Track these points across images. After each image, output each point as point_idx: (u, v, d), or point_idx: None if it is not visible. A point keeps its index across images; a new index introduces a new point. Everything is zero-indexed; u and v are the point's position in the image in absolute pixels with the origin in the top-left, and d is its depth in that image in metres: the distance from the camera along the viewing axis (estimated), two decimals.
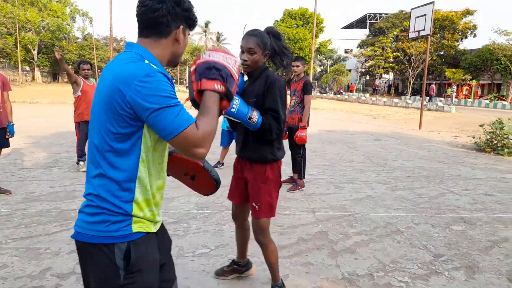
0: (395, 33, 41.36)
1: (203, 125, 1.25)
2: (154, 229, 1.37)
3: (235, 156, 2.51)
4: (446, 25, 39.43)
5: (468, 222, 4.09)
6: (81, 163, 5.81)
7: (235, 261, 2.78)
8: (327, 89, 51.22)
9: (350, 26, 67.74)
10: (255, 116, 2.13)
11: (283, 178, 5.52)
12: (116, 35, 67.51)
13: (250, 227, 2.58)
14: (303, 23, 53.65)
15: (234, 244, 3.33)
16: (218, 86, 1.36)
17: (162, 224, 1.51)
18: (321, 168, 6.52)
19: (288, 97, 5.12)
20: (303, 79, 4.98)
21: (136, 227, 1.29)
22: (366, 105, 29.36)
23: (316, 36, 52.67)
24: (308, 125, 4.95)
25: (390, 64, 43.70)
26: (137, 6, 1.34)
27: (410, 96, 35.73)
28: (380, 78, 47.86)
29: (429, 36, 12.17)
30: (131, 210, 1.28)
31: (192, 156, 1.26)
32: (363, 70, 49.13)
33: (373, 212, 4.34)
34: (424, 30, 12.01)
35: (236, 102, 2.07)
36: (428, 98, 30.48)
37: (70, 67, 5.59)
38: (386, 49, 42.28)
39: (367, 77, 54.80)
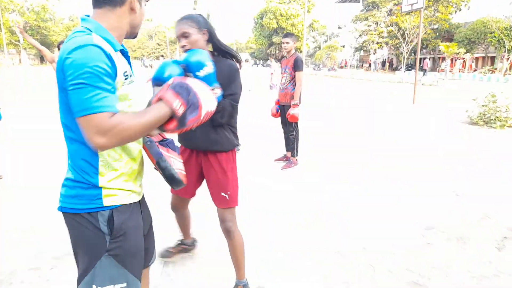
0: (388, 7, 40.80)
1: (123, 118, 1.15)
2: (134, 197, 1.40)
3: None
4: None
5: None
6: None
7: (182, 242, 2.80)
8: (321, 66, 50.85)
9: (343, 1, 66.69)
10: (218, 92, 1.87)
11: (278, 156, 5.53)
12: None
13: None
14: None
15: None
16: (176, 104, 1.23)
17: (143, 198, 1.54)
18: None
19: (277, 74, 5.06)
20: (293, 56, 4.90)
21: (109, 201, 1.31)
22: (360, 81, 29.21)
23: (309, 12, 51.90)
24: (300, 103, 4.90)
25: (384, 39, 43.33)
26: None
27: (405, 71, 35.63)
28: (374, 54, 47.50)
29: (422, 10, 12.01)
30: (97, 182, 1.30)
31: (91, 142, 1.15)
32: (357, 45, 48.67)
33: (370, 187, 4.37)
34: (417, 3, 11.83)
35: (205, 69, 1.79)
36: (422, 72, 30.41)
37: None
38: (380, 24, 41.80)
39: (361, 53, 54.39)
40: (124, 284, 1.35)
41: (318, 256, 2.81)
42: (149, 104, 1.32)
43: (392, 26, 40.12)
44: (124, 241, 1.34)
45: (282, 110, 5.12)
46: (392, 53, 49.01)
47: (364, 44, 45.30)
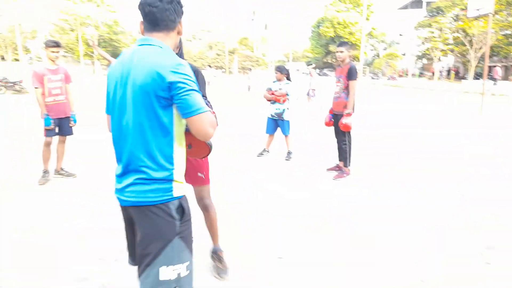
0: (454, 12, 38.57)
1: (214, 116, 1.59)
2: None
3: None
4: None
5: None
6: None
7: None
8: (379, 75, 49.28)
9: (404, 7, 64.26)
10: None
11: (330, 166, 5.51)
12: None
13: None
14: (354, 6, 51.83)
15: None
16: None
17: None
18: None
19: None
20: (348, 65, 4.89)
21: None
22: (423, 90, 27.87)
23: (367, 19, 50.71)
24: (353, 112, 4.87)
25: (449, 46, 40.92)
26: (146, 6, 1.56)
27: (472, 80, 33.34)
28: (438, 62, 45.05)
29: (490, 14, 11.25)
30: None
31: (204, 135, 1.51)
32: (419, 53, 46.48)
33: (415, 206, 4.22)
34: (485, 8, 11.11)
35: None
36: (492, 82, 28.24)
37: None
38: (444, 30, 39.60)
39: (424, 61, 51.85)
40: (188, 262, 1.60)
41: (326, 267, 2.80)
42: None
43: (458, 33, 37.83)
44: (188, 225, 1.63)
45: (335, 119, 5.12)
46: (458, 61, 46.13)
47: (427, 52, 43.10)
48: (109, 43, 54.05)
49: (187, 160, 2.37)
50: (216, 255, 2.72)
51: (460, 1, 39.35)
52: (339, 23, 49.95)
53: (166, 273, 1.54)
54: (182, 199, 1.61)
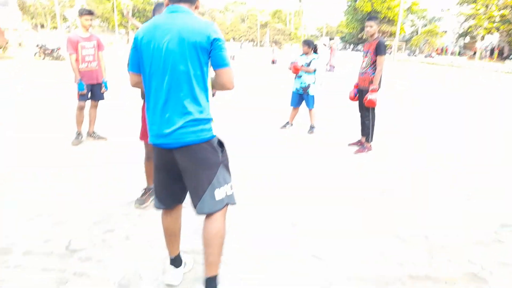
0: None
1: None
2: None
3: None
4: None
5: None
6: None
7: (147, 188, 3.33)
8: (416, 52, 47.21)
9: None
10: None
11: (352, 141, 5.52)
12: None
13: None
14: None
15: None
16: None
17: None
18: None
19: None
20: (376, 40, 4.80)
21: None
22: (460, 68, 26.60)
23: None
24: (379, 88, 4.82)
25: (495, 24, 38.39)
26: None
27: None
28: (481, 40, 42.47)
29: None
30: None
31: (229, 84, 1.91)
32: (461, 31, 43.95)
33: (442, 178, 4.20)
34: None
35: None
36: None
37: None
38: (491, 7, 37.08)
39: (466, 39, 49.05)
40: (231, 182, 2.04)
41: (375, 237, 2.88)
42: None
43: (506, 9, 35.33)
44: (225, 154, 2.03)
45: (360, 94, 5.08)
46: (504, 40, 43.34)
47: (470, 30, 40.65)
48: (142, 14, 54.48)
49: None
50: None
51: None
52: None
53: (220, 193, 1.95)
54: (217, 136, 1.99)
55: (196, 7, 1.94)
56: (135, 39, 1.93)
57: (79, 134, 5.12)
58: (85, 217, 3.02)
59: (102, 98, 5.27)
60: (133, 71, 2.01)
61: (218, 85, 1.93)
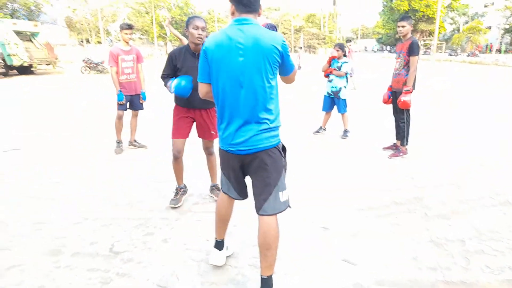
0: None
1: None
2: None
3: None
4: None
5: None
6: None
7: (178, 187, 3.62)
8: (458, 51, 45.20)
9: None
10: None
11: (387, 144, 5.43)
12: None
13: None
14: None
15: (321, 199, 3.58)
16: None
17: None
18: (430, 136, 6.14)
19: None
20: (409, 40, 4.72)
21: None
22: (506, 67, 25.18)
23: None
24: (413, 89, 4.73)
25: None
26: None
27: None
28: None
29: None
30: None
31: (292, 82, 2.26)
32: (507, 26, 41.58)
33: (481, 182, 4.05)
34: None
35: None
36: None
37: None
38: None
39: None
40: (287, 188, 2.19)
41: (407, 241, 2.85)
42: None
43: None
44: (286, 159, 2.20)
45: (394, 96, 5.01)
46: None
47: None
48: (180, 24, 56.17)
49: (206, 119, 3.44)
50: (214, 187, 3.73)
51: None
52: None
53: (283, 196, 2.13)
54: (282, 143, 2.19)
55: (259, 14, 2.09)
56: (206, 50, 2.04)
57: (119, 142, 5.42)
58: (127, 221, 3.22)
59: (141, 108, 5.54)
60: (204, 81, 2.14)
61: (286, 81, 2.23)
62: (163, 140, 5.96)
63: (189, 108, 3.41)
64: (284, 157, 2.17)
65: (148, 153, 5.37)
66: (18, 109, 9.40)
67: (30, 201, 3.67)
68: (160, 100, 9.82)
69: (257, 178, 2.12)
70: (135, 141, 5.61)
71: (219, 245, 2.51)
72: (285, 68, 2.09)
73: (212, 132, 3.49)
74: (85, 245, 2.84)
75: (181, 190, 3.62)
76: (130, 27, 5.13)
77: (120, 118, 5.36)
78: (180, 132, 3.43)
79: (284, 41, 1.99)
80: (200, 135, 3.56)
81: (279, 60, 1.99)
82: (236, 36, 1.93)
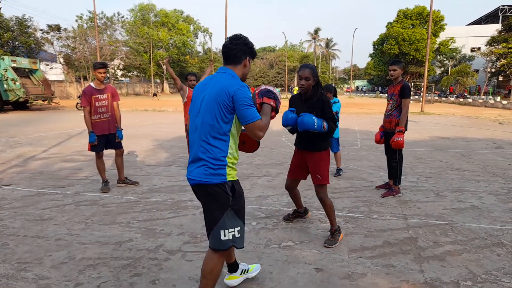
0: None
1: (264, 120, 2.24)
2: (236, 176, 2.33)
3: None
4: None
5: None
6: None
7: (296, 210, 4.02)
8: (447, 93, 46.47)
9: (478, 21, 60.39)
10: (325, 125, 3.31)
11: (379, 183, 5.45)
12: None
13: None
14: (420, 23, 49.84)
15: (318, 240, 3.55)
16: (272, 102, 2.37)
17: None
18: (424, 175, 6.18)
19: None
20: (400, 83, 4.87)
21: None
22: (495, 109, 25.88)
23: (436, 35, 48.31)
24: (405, 130, 4.82)
25: None
26: (223, 47, 2.30)
27: None
28: None
29: None
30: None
31: (255, 136, 2.17)
32: (493, 70, 43.11)
33: (474, 222, 4.03)
34: None
35: (315, 120, 3.21)
36: None
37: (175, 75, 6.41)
38: None
39: (500, 78, 47.93)
40: (239, 228, 2.27)
41: (403, 281, 2.79)
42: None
43: None
44: (239, 201, 2.29)
45: (386, 136, 5.09)
46: None
47: (502, 69, 39.78)
48: (177, 63, 57.57)
49: (309, 162, 3.53)
50: (330, 231, 3.56)
51: None
52: (404, 40, 48.20)
53: (226, 235, 2.21)
54: (234, 182, 2.25)
55: (245, 66, 2.32)
56: (194, 90, 2.39)
57: (105, 181, 5.30)
58: (115, 261, 3.12)
59: (119, 147, 5.38)
60: (189, 113, 2.41)
61: (250, 134, 2.20)
62: (153, 179, 5.93)
63: (301, 148, 3.62)
64: (233, 197, 2.23)
65: (139, 190, 5.31)
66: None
67: (15, 239, 3.57)
68: (154, 139, 9.87)
69: (203, 209, 2.29)
70: (126, 178, 5.56)
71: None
72: (239, 115, 2.14)
73: (317, 175, 3.47)
74: (70, 286, 2.73)
75: (298, 213, 4.04)
76: (104, 65, 5.08)
77: (100, 157, 5.26)
78: (292, 171, 3.76)
79: (240, 89, 2.12)
80: (313, 178, 3.55)
81: (230, 105, 2.12)
82: (208, 81, 2.24)
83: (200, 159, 2.19)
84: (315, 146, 3.47)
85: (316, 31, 74.72)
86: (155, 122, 15.90)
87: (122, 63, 50.18)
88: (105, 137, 5.23)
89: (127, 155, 7.75)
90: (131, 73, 56.43)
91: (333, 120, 3.37)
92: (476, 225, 3.95)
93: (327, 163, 3.50)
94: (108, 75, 50.99)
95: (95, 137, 5.08)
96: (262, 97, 2.36)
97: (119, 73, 54.59)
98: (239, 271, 2.75)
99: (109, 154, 6.18)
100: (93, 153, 5.28)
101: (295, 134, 3.62)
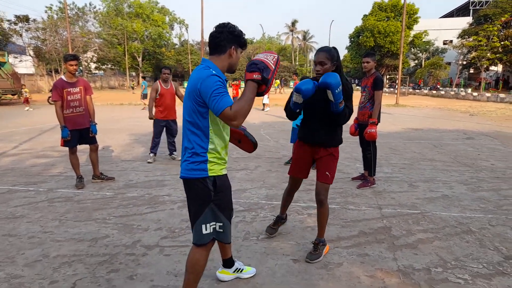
0: (503, 19, 36.72)
1: (235, 107, 1.97)
2: (224, 171, 2.25)
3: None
4: None
5: None
6: (151, 154, 6.73)
7: (280, 217, 3.52)
8: (421, 85, 47.66)
9: (450, 15, 62.00)
10: (342, 103, 2.84)
11: (355, 174, 5.57)
12: None
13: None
14: (395, 15, 50.72)
15: (295, 232, 3.60)
16: (255, 76, 2.05)
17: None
18: (398, 166, 6.35)
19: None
20: (373, 75, 4.96)
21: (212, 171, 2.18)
22: (466, 101, 26.79)
23: (410, 28, 49.31)
24: (378, 122, 4.92)
25: (497, 55, 38.86)
26: (208, 37, 2.19)
27: None
28: (486, 71, 42.74)
29: None
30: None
31: (231, 126, 2.06)
32: (465, 62, 44.47)
33: (445, 211, 4.19)
34: None
35: (339, 88, 2.75)
36: None
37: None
38: (492, 38, 37.72)
39: (471, 71, 49.50)
40: (221, 223, 2.23)
41: (377, 269, 2.87)
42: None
43: (508, 40, 35.92)
44: (222, 196, 2.21)
45: (360, 128, 5.18)
46: (508, 70, 43.67)
47: (473, 61, 41.12)
48: (153, 56, 56.52)
49: (318, 158, 3.09)
50: (314, 243, 3.14)
51: (510, 8, 37.44)
52: (379, 32, 48.97)
53: (207, 228, 2.19)
54: (217, 177, 2.18)
55: (231, 55, 2.17)
56: None
57: (79, 177, 5.17)
58: (91, 258, 3.08)
59: (94, 142, 5.25)
60: None
61: (227, 124, 2.08)
62: (129, 174, 5.85)
63: (310, 143, 3.15)
64: (215, 192, 2.17)
65: (115, 185, 5.23)
66: None
67: None
68: (130, 133, 9.71)
69: (187, 203, 2.29)
70: (101, 173, 5.45)
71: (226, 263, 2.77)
72: (210, 107, 2.00)
73: (327, 172, 3.05)
74: (45, 285, 2.68)
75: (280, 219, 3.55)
76: (75, 58, 4.91)
77: (73, 153, 5.12)
78: (295, 169, 3.31)
79: (206, 80, 1.99)
80: (317, 174, 3.14)
81: (200, 99, 2.04)
82: (192, 73, 2.18)
83: (184, 154, 2.20)
84: (331, 139, 3.03)
85: (294, 23, 74.92)
86: (131, 116, 15.62)
87: (96, 55, 48.81)
88: (79, 132, 5.08)
89: (102, 150, 7.59)
90: (105, 66, 55.00)
91: (349, 109, 2.94)
92: (446, 214, 4.11)
93: (337, 160, 3.12)
94: (81, 68, 49.54)
95: (68, 132, 4.93)
96: (246, 74, 2.07)
97: (93, 66, 53.12)
98: (233, 268, 2.75)
99: (83, 149, 6.02)
100: (67, 148, 5.15)
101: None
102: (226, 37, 2.14)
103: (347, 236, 3.53)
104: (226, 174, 2.28)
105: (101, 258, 3.07)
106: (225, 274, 2.75)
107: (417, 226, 3.76)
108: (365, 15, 53.09)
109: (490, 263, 2.99)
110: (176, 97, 6.65)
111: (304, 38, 77.44)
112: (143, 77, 52.06)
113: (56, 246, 3.30)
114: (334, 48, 2.96)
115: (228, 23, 2.18)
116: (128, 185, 5.22)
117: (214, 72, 2.04)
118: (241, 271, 2.78)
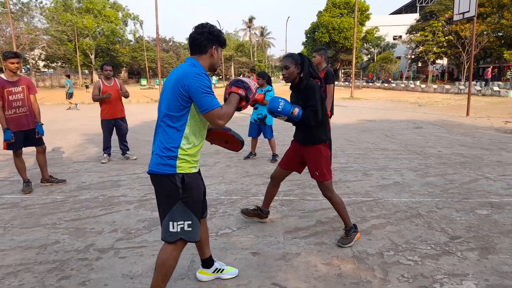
0: (447, 16, 38.98)
1: (224, 109, 2.13)
2: (194, 170, 2.23)
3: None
4: (505, 4, 36.40)
5: (496, 207, 4.01)
6: (105, 155, 6.52)
7: (259, 208, 3.62)
8: (374, 79, 49.57)
9: (399, 11, 64.86)
10: (296, 111, 3.02)
11: None
12: (165, 35, 70.05)
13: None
14: (348, 12, 52.26)
15: (254, 225, 3.62)
16: (240, 91, 2.22)
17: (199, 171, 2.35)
18: (353, 157, 6.56)
19: None
20: (324, 70, 5.08)
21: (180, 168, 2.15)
22: (415, 93, 28.18)
23: (362, 24, 51.07)
24: (332, 114, 5.05)
25: (443, 49, 41.25)
26: (188, 38, 2.25)
27: (465, 82, 33.59)
28: (432, 64, 45.27)
29: (474, 18, 11.50)
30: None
31: (215, 125, 2.11)
32: (413, 56, 46.81)
33: (396, 197, 4.39)
34: (469, 11, 11.35)
35: (281, 103, 3.00)
36: (484, 82, 28.62)
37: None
38: (438, 33, 39.95)
39: (419, 64, 52.19)
40: (190, 222, 2.16)
41: (333, 256, 2.95)
42: (224, 98, 2.28)
43: (451, 35, 38.19)
44: (190, 194, 2.16)
45: None
46: (452, 63, 46.48)
47: (421, 55, 43.40)
48: (106, 53, 54.39)
49: (305, 157, 3.23)
50: (345, 230, 3.27)
51: (453, 5, 39.76)
52: (334, 29, 50.28)
53: (174, 227, 2.14)
54: (186, 175, 2.14)
55: (212, 55, 2.24)
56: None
57: (26, 182, 4.88)
58: (39, 266, 2.91)
59: (40, 144, 4.98)
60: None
61: (211, 124, 2.15)
62: (82, 176, 5.60)
63: (298, 142, 3.34)
64: (183, 189, 2.13)
65: (66, 188, 4.98)
66: None
67: None
68: (83, 133, 9.30)
69: (156, 200, 2.27)
70: (51, 176, 5.17)
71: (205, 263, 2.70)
72: (197, 105, 2.08)
73: (316, 172, 3.19)
74: None
75: (259, 212, 3.62)
76: (16, 55, 4.60)
77: (18, 156, 4.82)
78: (285, 161, 3.46)
79: (195, 77, 2.05)
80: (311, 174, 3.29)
81: (185, 94, 2.06)
82: (173, 71, 2.20)
83: (155, 146, 2.17)
84: (308, 138, 3.19)
85: (251, 19, 75.04)
86: (84, 115, 14.95)
87: (44, 53, 46.21)
88: (24, 133, 4.78)
89: (51, 152, 7.21)
90: (55, 63, 52.25)
91: (313, 108, 3.02)
92: (398, 199, 4.31)
93: (325, 157, 3.19)
94: (27, 66, 46.66)
95: (11, 134, 4.61)
96: (231, 87, 2.24)
97: (41, 64, 50.24)
98: (212, 268, 2.69)
99: (30, 152, 5.68)
100: (11, 151, 4.83)
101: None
102: (207, 38, 2.20)
103: (305, 226, 3.60)
104: (197, 173, 2.25)
105: (50, 266, 2.91)
106: (204, 275, 2.68)
107: (371, 213, 3.91)
108: (320, 12, 54.26)
109: (437, 244, 3.17)
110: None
111: (262, 34, 77.84)
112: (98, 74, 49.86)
113: (0, 256, 3.08)
114: (300, 54, 3.21)
115: (207, 23, 2.25)
116: (81, 187, 5.00)
117: (203, 71, 2.13)
118: (221, 271, 2.70)
